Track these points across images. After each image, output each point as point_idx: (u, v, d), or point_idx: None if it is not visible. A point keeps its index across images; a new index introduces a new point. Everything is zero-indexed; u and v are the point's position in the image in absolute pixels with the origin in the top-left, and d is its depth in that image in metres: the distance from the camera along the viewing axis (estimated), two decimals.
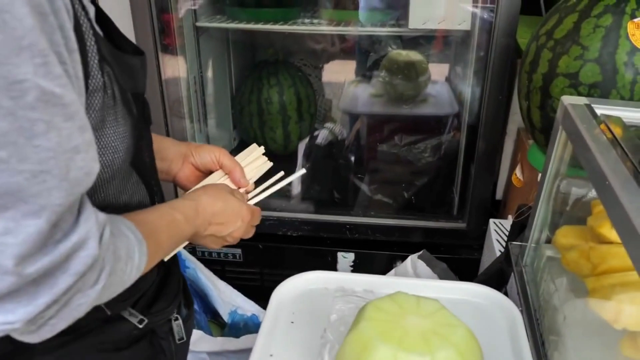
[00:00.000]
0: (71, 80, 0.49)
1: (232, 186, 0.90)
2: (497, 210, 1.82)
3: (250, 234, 0.87)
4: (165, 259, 0.81)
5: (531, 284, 1.09)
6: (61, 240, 0.48)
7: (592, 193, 1.03)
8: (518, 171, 1.55)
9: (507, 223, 1.54)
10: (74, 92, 0.49)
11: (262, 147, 0.98)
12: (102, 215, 0.54)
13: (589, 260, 0.88)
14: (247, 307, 1.66)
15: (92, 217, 0.52)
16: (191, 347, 1.42)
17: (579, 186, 1.04)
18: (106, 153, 0.62)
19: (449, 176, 1.80)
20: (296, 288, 1.06)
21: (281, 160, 2.17)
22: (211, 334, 1.54)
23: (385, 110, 2.05)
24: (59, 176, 0.47)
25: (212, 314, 1.69)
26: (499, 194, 1.81)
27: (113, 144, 0.62)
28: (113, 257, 0.54)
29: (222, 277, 1.75)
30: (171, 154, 0.90)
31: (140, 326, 0.75)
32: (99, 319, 0.70)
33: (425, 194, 1.86)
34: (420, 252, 1.63)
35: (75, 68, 0.51)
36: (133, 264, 0.58)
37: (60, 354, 0.71)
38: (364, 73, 2.05)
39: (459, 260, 1.72)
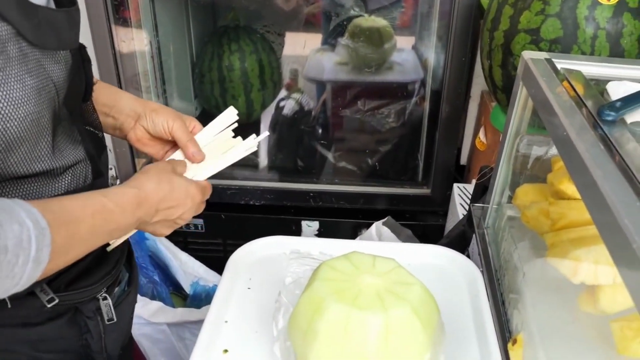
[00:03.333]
0: None
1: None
2: (462, 175, 1.81)
3: (200, 210, 0.81)
4: (109, 248, 0.77)
5: (492, 245, 1.08)
6: None
7: (553, 150, 1.02)
8: (481, 134, 1.53)
9: (471, 187, 1.52)
10: None
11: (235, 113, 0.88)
12: None
13: (548, 216, 0.87)
14: (209, 277, 1.63)
15: None
16: (150, 319, 1.38)
17: (540, 144, 1.03)
18: None
19: (414, 142, 1.77)
20: (253, 254, 1.03)
21: (244, 129, 2.12)
22: (173, 306, 1.51)
23: (350, 78, 2.01)
24: None
25: (174, 285, 1.65)
26: (463, 159, 1.80)
27: (2, 111, 0.56)
28: None
29: (184, 248, 1.71)
30: (125, 112, 0.83)
31: (49, 305, 0.69)
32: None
33: (390, 160, 1.83)
34: (385, 219, 1.61)
35: None
36: (27, 256, 0.52)
37: None
38: (329, 40, 2.00)
39: (424, 226, 1.71)
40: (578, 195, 0.87)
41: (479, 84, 1.65)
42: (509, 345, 0.82)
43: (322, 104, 1.99)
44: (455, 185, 1.55)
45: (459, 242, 1.22)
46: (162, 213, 0.73)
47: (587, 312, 0.79)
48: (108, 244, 0.77)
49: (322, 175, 1.87)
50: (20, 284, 0.53)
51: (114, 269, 0.79)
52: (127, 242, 0.85)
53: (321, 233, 1.76)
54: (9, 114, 0.56)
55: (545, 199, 0.93)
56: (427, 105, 1.64)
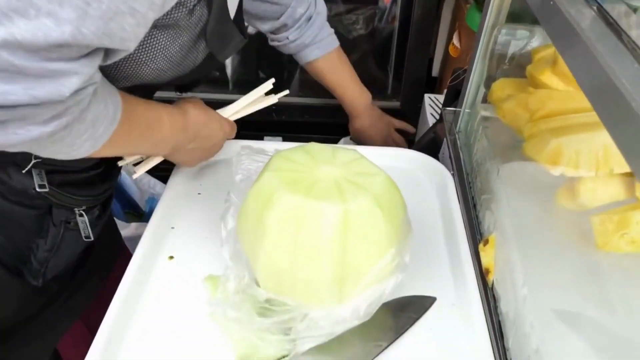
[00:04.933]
0: None
1: None
2: (433, 89, 1.72)
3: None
4: (120, 163, 0.81)
5: (464, 149, 1.01)
6: (49, 60, 0.45)
7: (532, 43, 0.93)
8: (455, 39, 1.43)
9: (442, 98, 1.44)
10: None
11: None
12: (99, 75, 0.52)
13: (526, 108, 0.79)
14: None
15: (91, 69, 0.49)
16: None
17: (518, 37, 0.94)
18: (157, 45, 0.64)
19: (384, 53, 1.66)
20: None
21: None
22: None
23: None
24: (101, 15, 0.45)
25: (130, 205, 1.56)
26: (435, 71, 1.70)
27: (164, 44, 0.64)
28: (78, 114, 0.51)
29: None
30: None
31: (35, 190, 0.71)
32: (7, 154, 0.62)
33: (358, 72, 1.72)
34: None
35: None
36: (93, 133, 0.55)
37: None
38: None
39: None
40: (559, 86, 0.80)
41: None
42: (480, 246, 0.76)
43: None
44: (426, 95, 1.46)
45: (430, 149, 1.14)
46: (199, 140, 0.78)
47: (564, 208, 0.72)
48: (121, 158, 0.80)
49: (285, 88, 1.75)
50: (71, 155, 0.55)
51: (100, 195, 0.82)
52: (114, 188, 0.90)
53: None
54: (167, 47, 0.65)
55: (523, 92, 0.85)
56: (398, 10, 1.52)
